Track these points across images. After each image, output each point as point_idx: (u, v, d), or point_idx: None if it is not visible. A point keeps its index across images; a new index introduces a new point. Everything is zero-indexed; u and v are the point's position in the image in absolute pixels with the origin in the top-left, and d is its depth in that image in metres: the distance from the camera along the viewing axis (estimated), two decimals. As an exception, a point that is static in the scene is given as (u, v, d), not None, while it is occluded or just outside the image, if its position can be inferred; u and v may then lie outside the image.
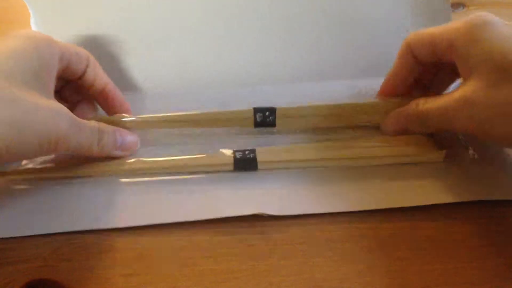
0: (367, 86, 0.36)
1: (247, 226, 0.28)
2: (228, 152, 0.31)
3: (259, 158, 0.31)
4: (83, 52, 0.31)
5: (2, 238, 0.27)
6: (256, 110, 0.32)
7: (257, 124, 0.33)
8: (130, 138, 0.32)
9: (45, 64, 0.28)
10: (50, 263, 0.26)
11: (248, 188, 0.30)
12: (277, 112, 0.33)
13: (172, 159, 0.31)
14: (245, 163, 0.30)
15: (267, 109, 0.33)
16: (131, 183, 0.30)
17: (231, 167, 0.30)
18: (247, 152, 0.31)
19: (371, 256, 0.26)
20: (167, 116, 0.33)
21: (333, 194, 0.29)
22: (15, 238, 0.27)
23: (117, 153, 0.31)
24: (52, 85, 0.29)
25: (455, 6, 0.52)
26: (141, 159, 0.31)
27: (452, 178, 0.30)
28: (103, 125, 0.30)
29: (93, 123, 0.29)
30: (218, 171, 0.31)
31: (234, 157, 0.30)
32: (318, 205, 0.28)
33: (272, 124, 0.33)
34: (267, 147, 0.32)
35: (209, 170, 0.31)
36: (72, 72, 0.31)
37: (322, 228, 0.27)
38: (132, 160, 0.31)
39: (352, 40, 0.38)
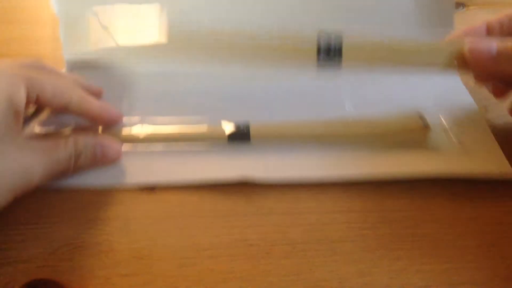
0: None
1: (247, 225, 0.28)
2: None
3: (253, 132, 0.31)
4: (62, 89, 0.29)
5: (2, 238, 0.27)
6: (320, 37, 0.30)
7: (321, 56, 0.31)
8: (112, 151, 0.30)
9: (12, 112, 0.26)
10: (50, 263, 0.26)
11: (239, 157, 0.31)
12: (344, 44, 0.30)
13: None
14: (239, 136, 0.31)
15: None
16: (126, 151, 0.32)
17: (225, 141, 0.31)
18: (241, 127, 0.32)
19: (371, 256, 0.26)
20: None
21: (325, 163, 0.31)
22: (15, 238, 0.27)
23: (95, 167, 0.30)
24: (20, 129, 0.27)
25: (455, 6, 0.52)
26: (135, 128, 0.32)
27: (437, 156, 0.31)
28: (81, 141, 0.29)
29: (68, 146, 0.28)
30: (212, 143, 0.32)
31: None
32: (308, 172, 0.30)
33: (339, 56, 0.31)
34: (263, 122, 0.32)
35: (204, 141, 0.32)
36: (47, 105, 0.30)
37: (322, 228, 0.27)
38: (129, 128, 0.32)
39: None
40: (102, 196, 0.29)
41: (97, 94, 0.34)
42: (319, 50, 0.31)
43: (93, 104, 0.31)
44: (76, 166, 0.29)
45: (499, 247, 0.26)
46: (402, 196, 0.29)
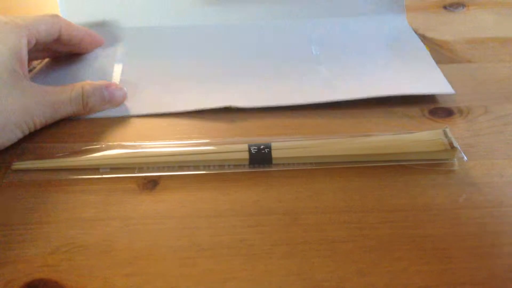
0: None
1: (247, 225, 0.28)
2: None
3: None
4: (51, 23, 0.35)
5: (2, 238, 0.27)
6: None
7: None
8: (118, 92, 0.36)
9: (14, 56, 0.31)
10: (50, 263, 0.26)
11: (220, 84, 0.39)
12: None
13: None
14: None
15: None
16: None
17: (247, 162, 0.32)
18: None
19: (371, 256, 0.26)
20: None
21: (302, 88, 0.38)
22: (15, 238, 0.27)
23: (106, 107, 0.36)
24: (25, 70, 0.32)
25: (455, 6, 0.52)
26: None
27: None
28: (87, 87, 0.34)
29: (75, 90, 0.34)
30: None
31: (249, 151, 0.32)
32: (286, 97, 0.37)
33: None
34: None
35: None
36: (44, 44, 0.36)
37: (322, 228, 0.27)
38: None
39: None
40: (102, 196, 0.30)
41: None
42: None
43: (78, 28, 0.39)
44: (87, 107, 0.35)
45: (499, 247, 0.26)
46: (402, 196, 0.29)
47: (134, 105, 0.37)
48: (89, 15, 0.45)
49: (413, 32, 0.46)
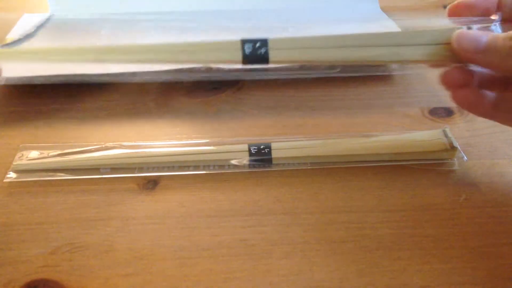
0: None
1: (247, 225, 0.28)
2: None
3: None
4: None
5: (2, 238, 0.27)
6: (245, 42, 0.27)
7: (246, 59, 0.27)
8: None
9: None
10: (50, 263, 0.26)
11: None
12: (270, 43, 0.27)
13: None
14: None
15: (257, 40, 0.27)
16: None
17: None
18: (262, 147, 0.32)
19: (371, 256, 0.26)
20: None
21: None
22: (15, 238, 0.27)
23: None
24: None
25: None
26: None
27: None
28: None
29: None
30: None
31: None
32: None
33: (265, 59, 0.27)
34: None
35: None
36: None
37: (322, 228, 0.27)
38: None
39: None
40: (102, 196, 0.30)
41: None
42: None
43: None
44: None
45: (499, 247, 0.26)
46: (402, 196, 0.29)
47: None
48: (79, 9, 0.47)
49: (385, 15, 0.49)
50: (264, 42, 0.27)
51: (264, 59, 0.27)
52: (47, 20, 0.48)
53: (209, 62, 0.31)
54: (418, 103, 0.37)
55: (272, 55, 0.27)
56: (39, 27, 0.46)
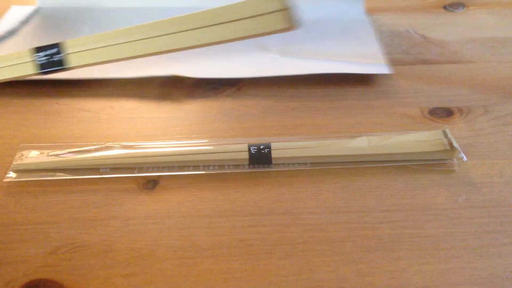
0: None
1: (246, 225, 0.28)
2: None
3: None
4: None
5: (2, 238, 0.27)
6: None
7: None
8: None
9: None
10: (50, 263, 0.26)
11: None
12: None
13: None
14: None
15: None
16: None
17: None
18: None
19: (371, 256, 0.26)
20: None
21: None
22: (15, 238, 0.27)
23: None
24: None
25: (455, 6, 0.52)
26: None
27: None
28: None
29: None
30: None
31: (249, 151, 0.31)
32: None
33: None
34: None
35: None
36: None
37: (322, 228, 0.27)
38: None
39: None
40: (102, 196, 0.30)
41: None
42: None
43: None
44: None
45: (499, 247, 0.26)
46: (402, 196, 0.29)
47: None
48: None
49: (366, 18, 0.49)
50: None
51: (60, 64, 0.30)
52: (35, 12, 0.48)
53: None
54: (418, 103, 0.37)
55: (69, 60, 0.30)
56: (24, 22, 0.46)
